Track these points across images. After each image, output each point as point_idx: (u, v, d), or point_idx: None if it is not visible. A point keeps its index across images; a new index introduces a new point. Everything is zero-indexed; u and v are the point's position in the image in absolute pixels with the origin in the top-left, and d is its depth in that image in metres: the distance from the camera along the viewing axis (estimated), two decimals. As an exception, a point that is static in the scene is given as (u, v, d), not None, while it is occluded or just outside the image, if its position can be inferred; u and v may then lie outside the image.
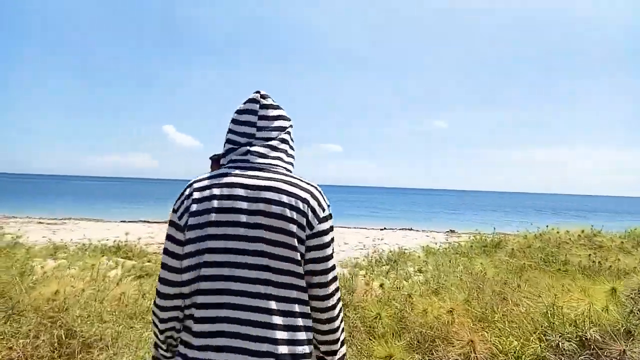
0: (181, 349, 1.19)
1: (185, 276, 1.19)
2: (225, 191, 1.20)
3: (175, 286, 1.22)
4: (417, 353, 3.23)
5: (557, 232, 10.56)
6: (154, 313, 1.28)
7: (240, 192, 1.19)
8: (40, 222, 17.16)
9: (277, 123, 1.32)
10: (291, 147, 1.36)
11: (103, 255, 8.82)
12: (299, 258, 1.18)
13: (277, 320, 1.15)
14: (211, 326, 1.15)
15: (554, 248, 8.89)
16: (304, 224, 1.19)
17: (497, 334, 3.09)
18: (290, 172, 1.30)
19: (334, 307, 1.26)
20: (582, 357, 2.78)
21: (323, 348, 1.30)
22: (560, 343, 2.80)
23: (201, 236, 1.18)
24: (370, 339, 3.48)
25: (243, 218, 1.18)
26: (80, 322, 3.47)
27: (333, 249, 1.27)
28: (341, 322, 1.31)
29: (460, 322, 3.29)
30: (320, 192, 1.27)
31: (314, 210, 1.21)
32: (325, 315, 1.25)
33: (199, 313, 1.16)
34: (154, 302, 1.28)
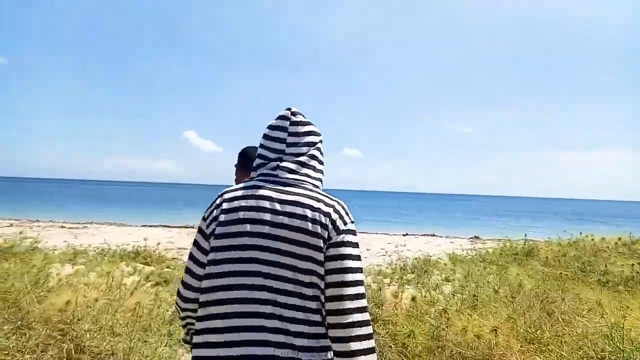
0: (194, 352, 1.22)
1: (204, 283, 1.23)
2: (253, 203, 1.24)
3: (195, 291, 1.29)
4: (456, 376, 2.90)
5: (592, 240, 10.00)
6: (176, 309, 1.40)
7: (267, 205, 1.23)
8: (62, 227, 17.26)
9: (306, 139, 1.36)
10: (320, 162, 1.39)
11: (122, 261, 8.67)
12: (322, 272, 1.20)
13: (300, 328, 1.16)
14: (226, 336, 1.17)
15: (591, 257, 8.39)
16: (326, 237, 1.20)
17: (551, 358, 2.73)
18: (317, 187, 1.34)
19: (350, 325, 1.17)
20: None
21: None
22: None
23: (225, 245, 1.22)
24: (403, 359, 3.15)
25: (267, 230, 1.20)
26: (90, 335, 3.24)
27: (357, 265, 1.23)
28: (363, 349, 1.17)
29: (505, 343, 2.94)
30: (343, 207, 1.28)
31: (334, 223, 1.23)
32: (339, 333, 1.18)
33: (216, 323, 1.19)
34: (176, 302, 1.37)
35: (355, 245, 1.25)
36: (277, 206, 1.23)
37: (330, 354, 1.20)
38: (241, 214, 1.23)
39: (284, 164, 1.32)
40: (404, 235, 19.86)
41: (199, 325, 1.23)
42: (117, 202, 52.02)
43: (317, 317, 1.19)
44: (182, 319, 1.38)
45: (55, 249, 10.26)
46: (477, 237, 19.52)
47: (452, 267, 8.87)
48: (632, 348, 2.48)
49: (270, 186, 1.28)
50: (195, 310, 1.28)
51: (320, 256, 1.19)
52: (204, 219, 1.30)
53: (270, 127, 1.39)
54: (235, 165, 2.92)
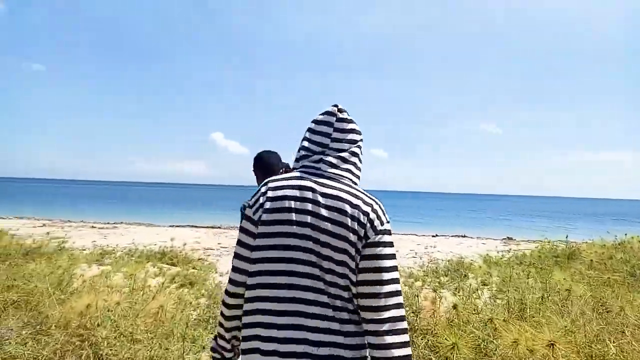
0: (243, 338, 1.29)
1: (253, 267, 1.28)
2: (297, 193, 1.28)
3: (243, 274, 1.32)
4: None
5: (640, 242, 9.35)
6: (223, 302, 1.39)
7: (310, 195, 1.27)
8: (93, 227, 17.51)
9: (350, 136, 1.40)
10: (360, 160, 1.43)
11: (148, 262, 8.61)
12: (354, 266, 1.23)
13: (332, 320, 1.22)
14: (269, 318, 1.24)
15: (640, 260, 7.79)
16: (362, 235, 1.23)
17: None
18: (356, 184, 1.37)
19: (386, 320, 1.22)
20: None
21: None
22: None
23: (270, 232, 1.27)
24: (446, 375, 2.84)
25: (309, 219, 1.25)
26: (108, 342, 3.06)
27: (393, 264, 1.27)
28: (398, 342, 1.22)
29: (564, 359, 2.59)
30: (380, 207, 1.31)
31: (372, 222, 1.25)
32: (374, 327, 1.22)
33: (262, 305, 1.26)
34: (226, 289, 1.38)
35: (391, 244, 1.29)
36: (319, 198, 1.27)
37: (365, 352, 1.25)
38: (286, 203, 1.28)
39: (328, 158, 1.36)
40: (433, 236, 19.33)
41: (247, 307, 1.30)
42: (147, 202, 52.99)
43: (350, 306, 1.25)
44: (228, 318, 1.39)
45: (84, 249, 10.33)
46: (510, 238, 18.81)
47: (488, 270, 8.43)
48: None
49: (313, 178, 1.32)
50: (242, 299, 1.33)
51: (352, 250, 1.23)
52: (250, 207, 1.34)
53: (316, 122, 1.43)
54: (254, 171, 2.90)
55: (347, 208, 1.25)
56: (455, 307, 3.50)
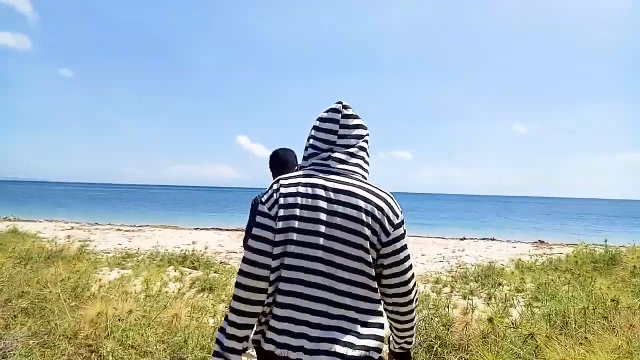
0: (261, 327, 1.35)
1: (275, 262, 1.28)
2: (309, 191, 1.31)
3: (265, 268, 1.29)
4: None
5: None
6: (239, 298, 1.31)
7: (321, 192, 1.30)
8: (119, 230, 17.70)
9: (356, 132, 1.42)
10: (368, 155, 1.46)
11: (170, 265, 8.52)
12: (370, 260, 1.27)
13: (353, 314, 1.27)
14: (288, 312, 1.28)
15: (689, 266, 7.21)
16: (378, 230, 1.28)
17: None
18: (366, 178, 1.41)
19: (412, 303, 1.40)
20: None
21: (400, 334, 1.47)
22: None
23: (286, 228, 1.28)
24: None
25: (323, 216, 1.28)
26: (114, 355, 2.88)
27: (409, 252, 1.36)
28: (416, 308, 1.44)
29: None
30: (393, 199, 1.35)
31: (388, 217, 1.29)
32: (405, 309, 1.39)
33: (280, 299, 1.30)
34: (241, 285, 1.30)
35: (405, 234, 1.35)
36: (331, 194, 1.30)
37: (370, 354, 1.26)
38: (299, 199, 1.29)
39: (336, 154, 1.38)
40: (461, 239, 18.74)
41: (275, 311, 1.32)
42: (174, 205, 53.75)
43: (363, 304, 1.29)
44: (240, 313, 1.32)
45: (107, 252, 10.35)
46: (542, 242, 18.06)
47: (521, 276, 7.99)
48: None
49: (323, 175, 1.34)
50: (265, 292, 1.30)
51: (366, 244, 1.26)
52: (264, 203, 1.34)
53: (321, 120, 1.45)
54: (270, 169, 2.95)
55: (361, 203, 1.28)
56: (491, 320, 3.17)
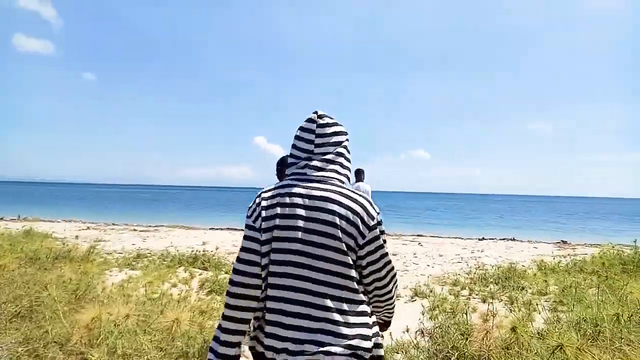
0: (258, 334, 1.43)
1: (264, 271, 1.39)
2: (287, 200, 1.40)
3: (256, 278, 1.39)
4: None
5: None
6: (232, 306, 1.40)
7: (299, 200, 1.39)
8: (134, 230, 17.73)
9: (334, 139, 1.51)
10: (347, 159, 1.54)
11: (180, 266, 8.37)
12: (349, 261, 1.35)
13: (335, 316, 1.32)
14: (276, 316, 1.35)
15: None
16: (354, 233, 1.36)
17: None
18: (344, 183, 1.49)
19: (390, 292, 1.51)
20: None
21: (385, 317, 1.63)
22: None
23: (269, 238, 1.39)
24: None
25: (300, 223, 1.36)
26: (103, 366, 2.68)
27: (387, 250, 1.44)
28: (395, 294, 1.55)
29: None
30: (369, 202, 1.43)
31: (363, 220, 1.37)
32: (385, 300, 1.52)
33: (269, 304, 1.37)
34: (232, 293, 1.40)
35: (383, 233, 1.43)
36: (308, 201, 1.38)
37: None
38: (278, 209, 1.38)
39: (313, 162, 1.46)
40: (480, 239, 18.22)
41: (266, 316, 1.39)
42: (191, 205, 54.06)
43: (345, 306, 1.35)
44: (231, 319, 1.41)
45: (120, 252, 10.29)
46: (564, 242, 17.46)
47: (544, 278, 7.60)
48: None
49: (300, 184, 1.42)
50: (256, 299, 1.40)
51: (342, 246, 1.34)
52: (249, 217, 1.45)
53: (301, 129, 1.53)
54: (277, 174, 3.09)
55: (336, 207, 1.36)
56: (514, 329, 2.88)
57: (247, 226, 1.45)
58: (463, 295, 6.89)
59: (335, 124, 1.52)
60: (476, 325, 3.28)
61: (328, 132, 1.49)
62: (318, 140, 1.48)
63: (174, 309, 3.93)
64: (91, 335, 3.05)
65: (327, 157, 1.47)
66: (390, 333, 3.72)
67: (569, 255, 12.29)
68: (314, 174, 1.44)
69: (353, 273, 1.36)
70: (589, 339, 2.97)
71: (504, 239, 18.27)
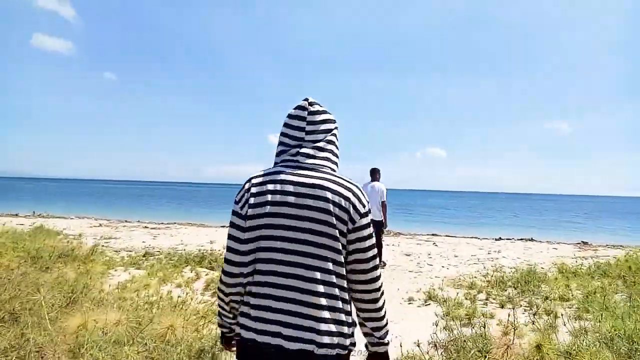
0: (240, 319, 1.41)
1: (247, 258, 1.40)
2: (278, 187, 1.40)
3: (239, 266, 1.42)
4: None
5: None
6: (219, 289, 1.49)
7: (290, 188, 1.39)
8: (146, 227, 17.67)
9: (323, 127, 1.51)
10: (337, 147, 1.55)
11: (186, 265, 8.19)
12: (340, 247, 1.37)
13: (327, 301, 1.34)
14: (264, 301, 1.35)
15: None
16: (346, 219, 1.37)
17: None
18: (335, 171, 1.49)
19: (376, 289, 1.45)
20: None
21: (370, 324, 1.49)
22: None
23: (258, 225, 1.39)
24: None
25: (292, 211, 1.37)
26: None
27: (373, 241, 1.45)
28: (383, 300, 1.48)
29: None
30: (360, 190, 1.45)
31: (355, 207, 1.39)
32: (368, 297, 1.45)
33: (255, 289, 1.38)
34: (220, 279, 1.48)
35: (370, 224, 1.44)
36: (300, 189, 1.38)
37: (340, 340, 1.34)
38: (269, 197, 1.39)
39: (304, 150, 1.47)
40: (496, 239, 17.73)
41: (251, 301, 1.39)
42: (205, 203, 54.17)
43: (336, 291, 1.35)
44: (227, 303, 1.48)
45: (129, 250, 10.17)
46: (585, 243, 16.88)
47: (566, 282, 7.20)
48: None
49: (291, 171, 1.43)
50: (242, 285, 1.42)
51: (335, 232, 1.35)
52: (237, 202, 1.45)
53: (290, 117, 1.53)
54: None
55: (328, 195, 1.37)
56: (539, 347, 2.57)
57: (233, 212, 1.45)
58: (480, 300, 6.55)
59: (325, 112, 1.52)
60: (495, 339, 2.97)
61: (318, 119, 1.49)
62: (309, 128, 1.48)
63: (170, 314, 3.70)
64: (77, 344, 2.83)
65: (318, 144, 1.48)
66: (401, 344, 3.43)
67: (590, 257, 11.80)
68: (306, 161, 1.44)
69: (342, 259, 1.38)
70: (624, 357, 2.64)
71: (522, 239, 17.73)
